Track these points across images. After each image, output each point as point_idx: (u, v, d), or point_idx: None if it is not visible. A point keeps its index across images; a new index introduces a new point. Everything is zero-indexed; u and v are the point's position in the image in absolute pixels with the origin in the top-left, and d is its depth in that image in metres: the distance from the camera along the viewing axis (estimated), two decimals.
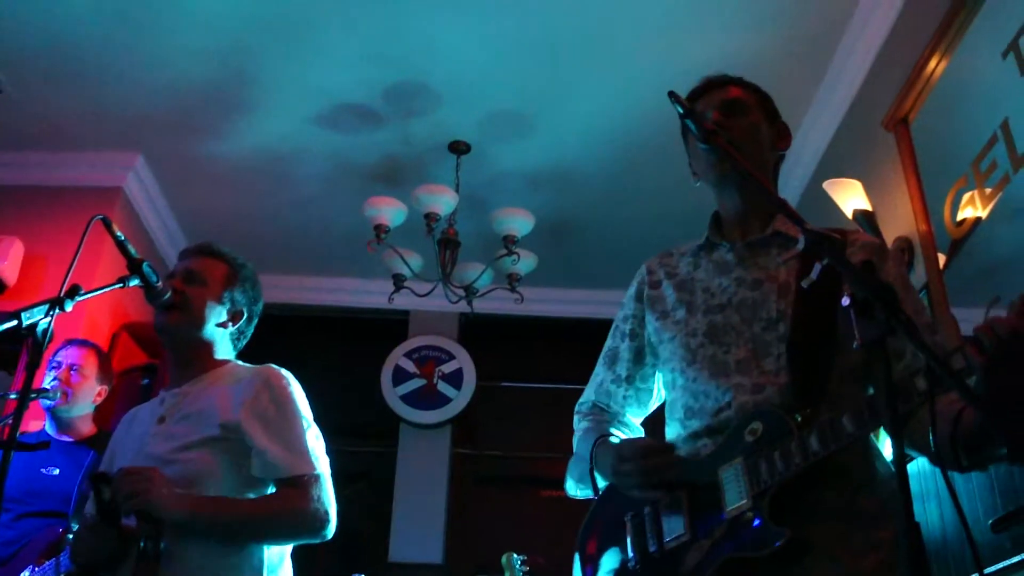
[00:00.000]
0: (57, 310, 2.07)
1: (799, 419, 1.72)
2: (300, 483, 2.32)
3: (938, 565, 3.29)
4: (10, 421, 2.01)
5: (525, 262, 5.19)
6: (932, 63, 3.64)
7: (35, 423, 4.19)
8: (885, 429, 1.62)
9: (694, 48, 4.47)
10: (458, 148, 5.38)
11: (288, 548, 2.42)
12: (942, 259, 3.54)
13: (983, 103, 3.34)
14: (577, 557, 2.06)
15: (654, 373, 2.15)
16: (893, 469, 1.78)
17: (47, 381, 3.92)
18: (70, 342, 4.10)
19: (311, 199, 5.93)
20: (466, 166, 5.42)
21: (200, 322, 2.49)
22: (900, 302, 1.29)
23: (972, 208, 3.34)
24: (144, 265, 2.29)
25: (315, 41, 4.67)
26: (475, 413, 6.65)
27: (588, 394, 2.24)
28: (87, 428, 4.01)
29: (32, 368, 2.03)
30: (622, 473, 1.89)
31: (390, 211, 4.96)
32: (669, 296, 2.07)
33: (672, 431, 2.01)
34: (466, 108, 5.13)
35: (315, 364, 6.39)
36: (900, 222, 3.92)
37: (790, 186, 5.21)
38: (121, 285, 2.27)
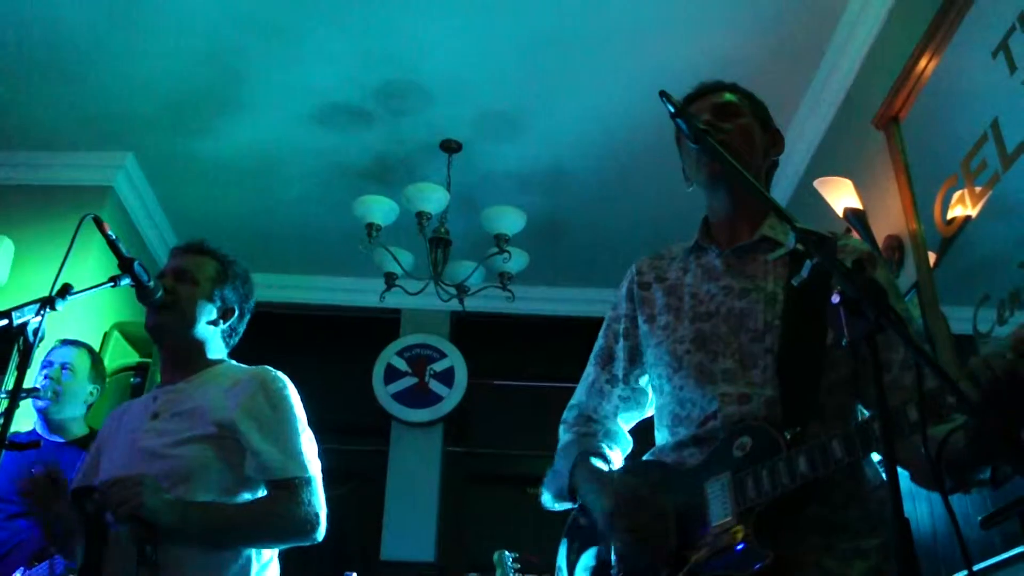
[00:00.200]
0: (48, 309, 2.07)
1: (788, 437, 1.70)
2: (292, 486, 2.34)
3: (929, 563, 3.31)
4: (0, 421, 2.01)
5: (516, 260, 5.20)
6: (922, 62, 3.65)
7: (27, 423, 4.18)
8: (876, 449, 1.62)
9: (685, 48, 4.48)
10: (449, 147, 5.38)
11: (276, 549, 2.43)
12: (932, 257, 3.55)
13: (973, 102, 3.35)
14: (560, 552, 2.04)
15: (647, 373, 2.10)
16: (882, 474, 1.79)
17: (38, 381, 3.90)
18: (62, 342, 4.09)
19: (302, 198, 5.93)
20: (457, 165, 5.42)
21: (191, 321, 2.49)
22: (889, 301, 1.29)
23: (962, 207, 3.36)
24: (135, 264, 2.29)
25: (306, 40, 4.67)
26: (467, 411, 6.65)
27: (579, 396, 2.20)
28: (78, 429, 4.00)
29: (23, 368, 2.03)
30: (614, 529, 1.83)
31: (381, 209, 4.97)
32: (658, 300, 2.05)
33: (660, 437, 2.00)
34: (457, 107, 5.13)
35: (307, 363, 6.36)
36: (890, 221, 3.93)
37: (781, 185, 5.22)
38: (112, 284, 2.27)
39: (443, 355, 6.69)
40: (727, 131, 1.94)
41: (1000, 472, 1.55)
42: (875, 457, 1.83)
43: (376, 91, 5.02)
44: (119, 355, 5.45)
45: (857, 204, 4.03)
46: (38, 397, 3.83)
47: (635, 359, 2.12)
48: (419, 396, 6.54)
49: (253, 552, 2.34)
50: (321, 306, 6.95)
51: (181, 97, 5.08)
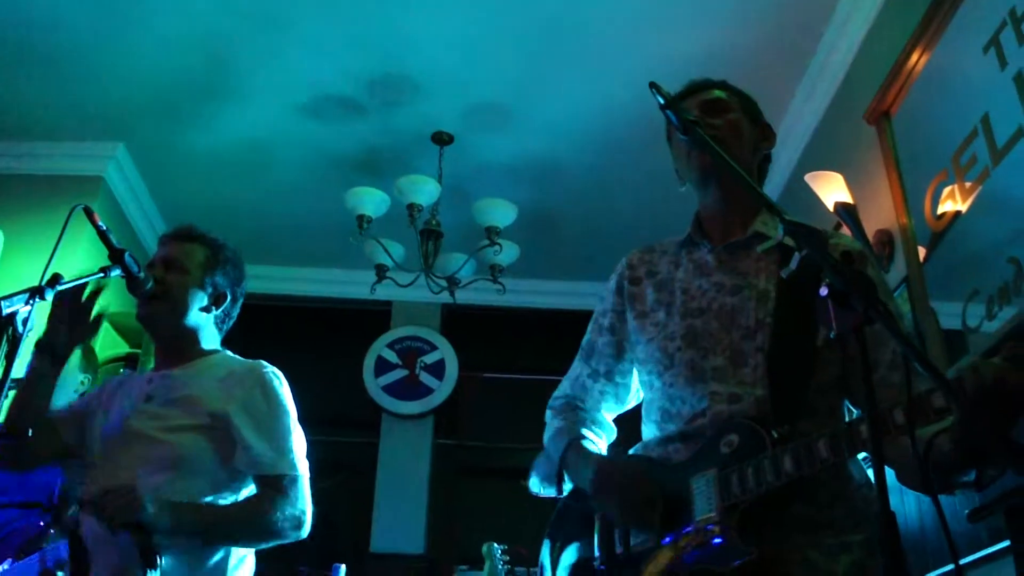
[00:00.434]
0: (37, 299, 2.07)
1: (776, 436, 1.70)
2: (280, 483, 2.36)
3: (917, 557, 3.32)
4: None
5: (507, 252, 5.20)
6: (914, 57, 3.65)
7: None
8: (862, 450, 1.62)
9: (677, 41, 4.48)
10: (441, 139, 5.38)
11: None
12: (922, 252, 3.56)
13: (964, 97, 3.35)
14: (543, 550, 2.05)
15: (632, 369, 2.11)
16: (868, 473, 1.80)
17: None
18: None
19: (293, 189, 5.92)
20: (449, 157, 5.41)
21: (182, 309, 2.49)
22: (879, 294, 1.29)
23: (952, 202, 3.36)
24: (125, 255, 2.29)
25: (298, 31, 4.65)
26: (457, 404, 6.66)
27: (563, 388, 2.21)
28: None
29: (11, 357, 2.03)
30: (602, 501, 1.87)
31: (372, 201, 4.96)
32: (649, 296, 2.05)
33: (648, 432, 2.00)
34: (449, 99, 5.12)
35: (297, 355, 6.37)
36: (881, 215, 3.93)
37: (772, 179, 5.16)
38: (102, 275, 2.27)
39: (434, 347, 6.69)
40: (716, 126, 1.94)
41: (985, 475, 1.55)
42: (861, 455, 1.84)
43: (368, 83, 5.01)
44: (109, 346, 5.44)
45: (848, 198, 4.04)
46: None
47: (620, 354, 2.12)
48: (410, 388, 6.54)
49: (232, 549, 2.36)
50: (312, 298, 6.94)
51: (172, 87, 5.07)
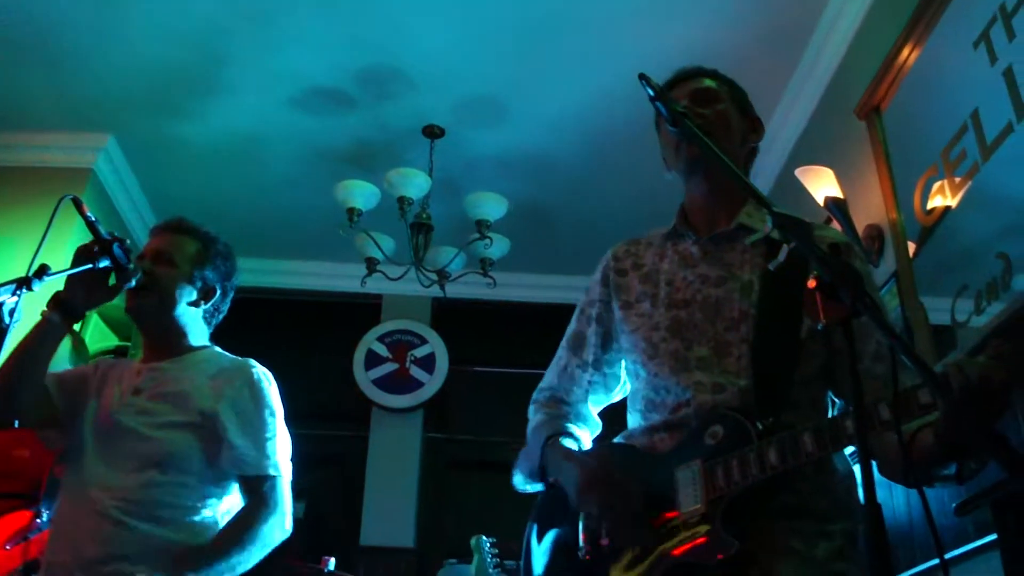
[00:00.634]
0: (24, 290, 2.06)
1: (760, 428, 1.71)
2: (260, 486, 2.38)
3: (904, 550, 3.33)
4: None
5: (497, 246, 5.20)
6: (904, 52, 3.66)
7: None
8: (847, 443, 1.63)
9: (668, 35, 4.48)
10: (432, 132, 5.37)
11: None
12: (912, 247, 3.57)
13: (954, 92, 3.36)
14: (528, 540, 2.04)
15: (620, 359, 2.11)
16: (851, 466, 1.81)
17: None
18: None
19: (284, 182, 5.91)
20: (440, 150, 5.41)
21: (170, 303, 2.48)
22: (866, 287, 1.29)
23: (942, 197, 3.37)
24: (114, 246, 2.28)
25: (289, 23, 4.64)
26: (447, 398, 6.66)
27: (549, 379, 2.20)
28: None
29: None
30: (584, 501, 1.85)
31: (362, 194, 4.96)
32: (634, 287, 2.05)
33: (633, 421, 2.01)
34: (440, 92, 5.12)
35: (287, 348, 6.39)
36: (871, 210, 3.94)
37: (763, 174, 5.23)
38: (91, 266, 2.25)
39: (424, 341, 6.69)
40: (705, 116, 1.95)
41: (965, 469, 1.56)
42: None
43: (359, 76, 5.00)
44: (98, 338, 5.42)
45: (838, 193, 4.05)
46: None
47: (607, 344, 2.12)
48: (400, 382, 6.54)
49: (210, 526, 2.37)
50: (302, 291, 6.93)
51: (163, 80, 5.05)
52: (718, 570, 1.67)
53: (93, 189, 5.55)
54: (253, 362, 2.51)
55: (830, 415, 1.90)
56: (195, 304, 2.54)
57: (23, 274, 2.10)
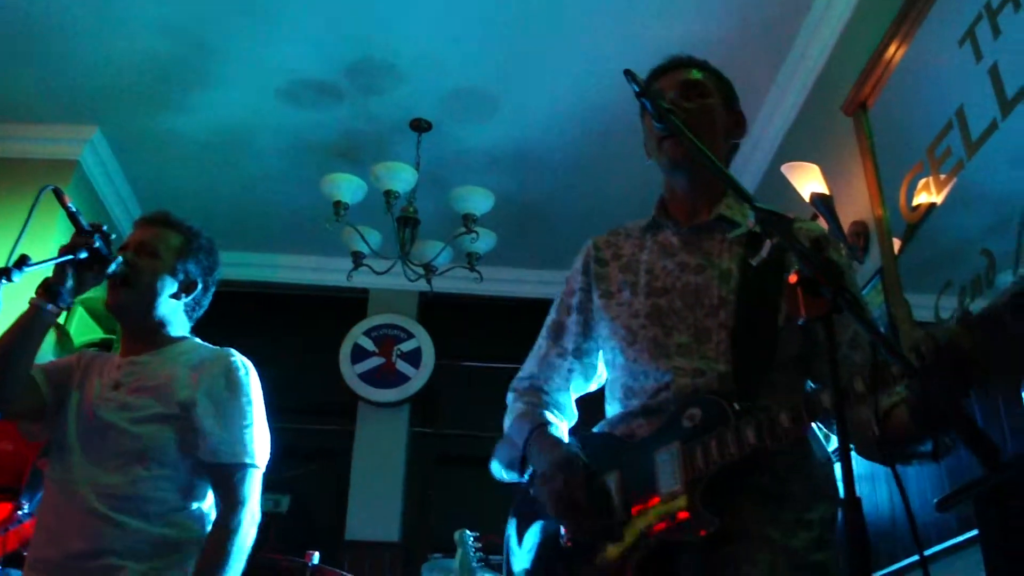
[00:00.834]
0: (4, 280, 2.04)
1: (737, 408, 1.72)
2: (232, 475, 2.36)
3: (888, 545, 3.35)
4: None
5: (484, 241, 5.20)
6: (891, 49, 3.66)
7: None
8: (823, 423, 1.65)
9: (657, 30, 4.48)
10: (419, 126, 5.36)
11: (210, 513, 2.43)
12: (897, 244, 3.58)
13: (940, 90, 3.37)
14: (510, 527, 2.05)
15: (599, 348, 2.12)
16: (828, 452, 1.83)
17: None
18: None
19: (270, 175, 5.89)
20: (427, 144, 5.40)
21: (152, 294, 2.47)
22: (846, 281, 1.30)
23: (927, 194, 3.38)
24: (95, 236, 2.27)
25: (277, 15, 4.63)
26: (433, 392, 6.65)
27: (529, 368, 2.20)
28: None
29: None
30: (556, 512, 1.85)
31: (349, 188, 4.94)
32: (614, 276, 2.06)
33: (611, 409, 2.01)
34: (428, 86, 5.11)
35: (273, 342, 6.37)
36: (857, 206, 3.95)
37: (750, 170, 5.24)
38: (72, 257, 2.24)
39: (410, 335, 6.69)
40: (690, 110, 1.95)
41: (941, 445, 1.58)
42: (820, 433, 1.87)
43: (346, 69, 4.99)
44: (83, 331, 5.41)
45: (824, 189, 4.05)
46: None
47: (587, 333, 2.12)
48: (386, 376, 6.53)
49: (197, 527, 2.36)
50: (288, 285, 6.92)
51: (150, 72, 5.03)
52: (697, 554, 1.69)
53: (79, 181, 5.53)
54: (233, 351, 2.50)
55: None
56: (176, 297, 2.53)
57: (3, 264, 2.09)
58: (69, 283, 2.28)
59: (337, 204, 4.94)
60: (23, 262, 2.11)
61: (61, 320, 4.94)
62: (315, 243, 6.37)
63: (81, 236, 2.25)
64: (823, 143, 4.40)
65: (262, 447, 2.43)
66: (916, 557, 3.05)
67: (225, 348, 2.52)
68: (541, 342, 2.20)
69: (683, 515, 1.69)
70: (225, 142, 5.59)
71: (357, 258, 5.22)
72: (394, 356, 6.58)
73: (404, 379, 6.53)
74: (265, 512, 2.47)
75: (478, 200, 5.07)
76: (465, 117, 5.33)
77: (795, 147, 4.80)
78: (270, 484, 2.45)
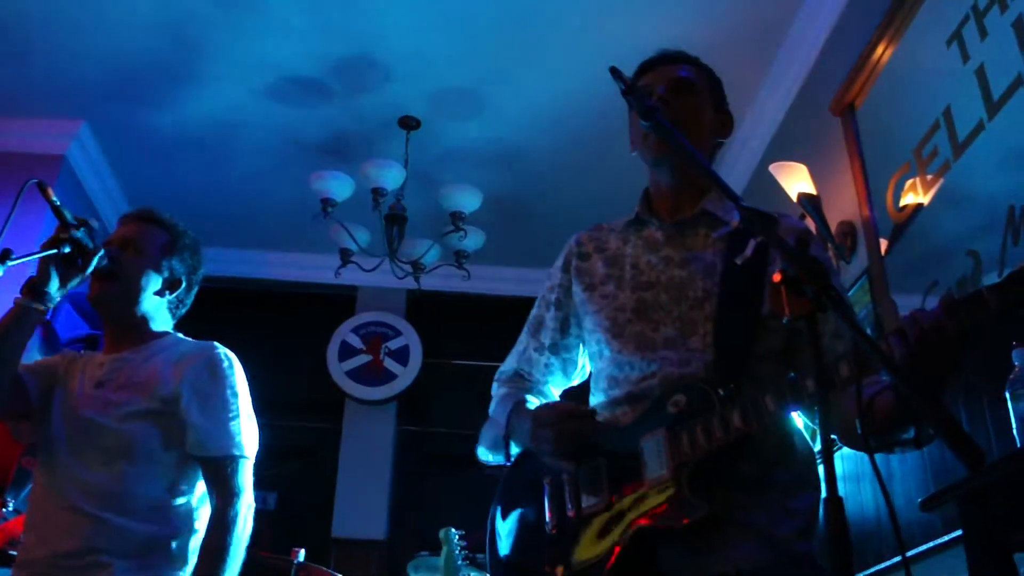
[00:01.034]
0: None
1: (722, 394, 1.73)
2: (224, 468, 2.35)
3: (873, 544, 3.36)
4: None
5: (472, 239, 5.20)
6: (879, 49, 3.67)
7: None
8: (805, 412, 1.66)
9: (646, 29, 4.47)
10: (408, 124, 5.36)
11: (204, 511, 2.42)
12: (884, 244, 3.59)
13: (927, 90, 3.38)
14: (493, 521, 2.05)
15: (579, 344, 2.15)
16: (811, 445, 1.85)
17: None
18: None
19: (258, 171, 5.88)
20: (416, 142, 5.39)
21: (136, 290, 2.46)
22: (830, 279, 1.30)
23: (914, 194, 3.39)
24: (80, 230, 2.26)
25: (265, 12, 4.61)
26: (421, 390, 6.65)
27: (510, 362, 2.24)
28: None
29: None
30: (540, 438, 1.89)
31: (337, 185, 4.94)
32: (599, 269, 2.08)
33: (595, 400, 2.02)
34: (417, 84, 5.10)
35: (261, 339, 6.36)
36: (844, 206, 3.96)
37: (739, 169, 5.24)
38: (55, 251, 2.23)
39: (398, 333, 6.68)
40: (676, 108, 1.95)
41: (923, 432, 1.60)
42: (806, 430, 1.87)
43: (335, 66, 4.98)
44: (70, 327, 5.38)
45: (811, 189, 4.06)
46: None
47: (566, 329, 2.15)
48: (373, 374, 6.53)
49: (190, 538, 2.35)
50: (276, 282, 6.90)
51: (137, 67, 5.01)
52: (683, 540, 1.70)
53: (66, 176, 5.51)
54: (215, 344, 2.50)
55: None
56: (160, 293, 2.52)
57: None
58: (54, 282, 2.27)
59: (325, 201, 4.94)
60: (6, 256, 2.10)
61: (47, 316, 4.92)
62: (303, 240, 6.37)
63: (65, 230, 2.24)
64: (811, 143, 4.41)
65: (251, 438, 2.42)
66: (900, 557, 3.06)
67: (208, 341, 2.51)
68: (522, 337, 2.24)
69: (670, 501, 1.70)
70: (213, 138, 5.57)
71: (345, 255, 5.22)
72: (382, 354, 6.57)
73: (391, 377, 6.53)
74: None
75: (466, 198, 5.07)
76: (454, 115, 5.33)
77: (783, 147, 4.81)
78: (257, 481, 2.43)
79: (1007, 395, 2.28)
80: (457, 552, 4.07)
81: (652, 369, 1.86)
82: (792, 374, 1.79)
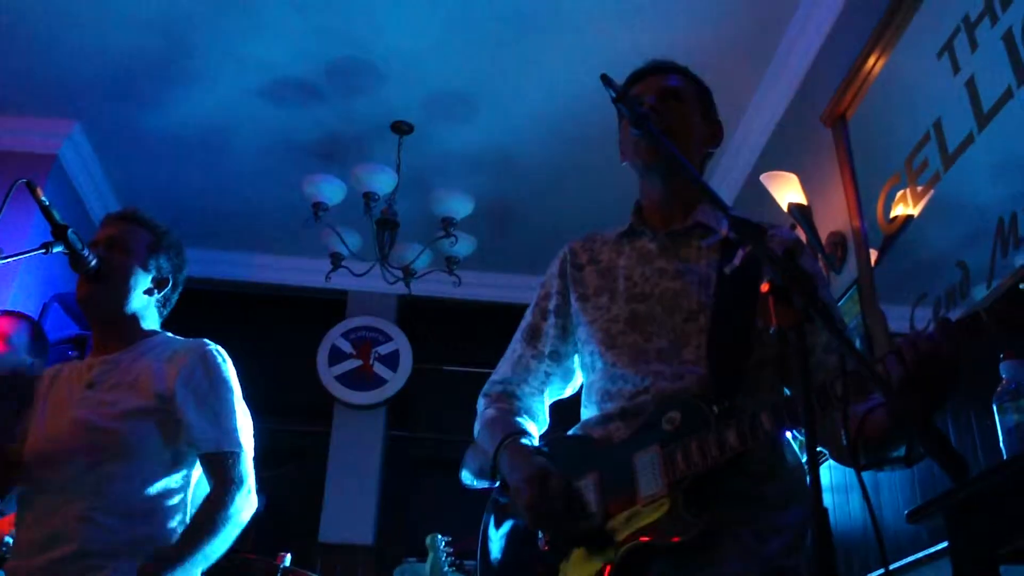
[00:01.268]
0: None
1: (717, 411, 1.73)
2: (224, 463, 2.33)
3: (861, 555, 3.36)
4: None
5: (463, 244, 5.20)
6: (871, 61, 3.68)
7: None
8: (796, 427, 1.66)
9: (639, 36, 4.49)
10: (400, 128, 5.35)
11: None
12: (874, 255, 3.59)
13: (918, 102, 3.39)
14: (484, 532, 2.04)
15: (575, 353, 2.12)
16: (802, 460, 1.84)
17: None
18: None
19: (250, 174, 5.87)
20: (408, 147, 5.39)
21: (125, 290, 2.46)
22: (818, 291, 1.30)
23: (904, 205, 3.40)
24: (69, 232, 2.26)
25: (259, 13, 4.61)
26: (411, 396, 6.64)
27: (503, 372, 2.18)
28: None
29: None
30: (522, 510, 1.85)
31: (328, 189, 4.94)
32: (591, 281, 2.06)
33: (587, 413, 2.01)
34: (410, 89, 5.10)
35: (251, 342, 6.33)
36: (835, 217, 3.97)
37: (730, 178, 5.25)
38: (44, 251, 2.23)
39: (389, 338, 6.67)
40: (667, 117, 1.95)
41: (915, 451, 1.60)
42: (795, 443, 1.87)
43: (328, 69, 4.98)
44: (58, 327, 5.36)
45: (802, 199, 4.07)
46: None
47: (565, 337, 2.12)
48: (363, 379, 6.51)
49: (177, 520, 2.34)
50: (266, 284, 6.88)
51: (131, 67, 5.00)
52: (675, 556, 1.69)
53: (58, 176, 5.49)
54: (206, 340, 2.49)
55: None
56: (149, 292, 2.52)
57: None
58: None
59: (316, 205, 4.93)
60: None
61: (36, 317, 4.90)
62: (294, 243, 6.36)
63: (54, 229, 2.24)
64: (802, 153, 4.42)
65: (247, 431, 2.42)
66: (892, 566, 3.06)
67: (198, 339, 2.51)
68: (515, 345, 2.18)
69: (663, 518, 1.69)
70: (206, 139, 5.57)
71: (336, 259, 5.22)
72: (372, 359, 6.56)
73: (381, 382, 6.52)
74: None
75: (458, 203, 5.07)
76: (447, 120, 5.33)
77: (774, 157, 4.82)
78: None
79: (994, 407, 2.28)
80: (443, 559, 4.06)
81: (645, 384, 1.85)
82: (787, 391, 1.79)
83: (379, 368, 6.55)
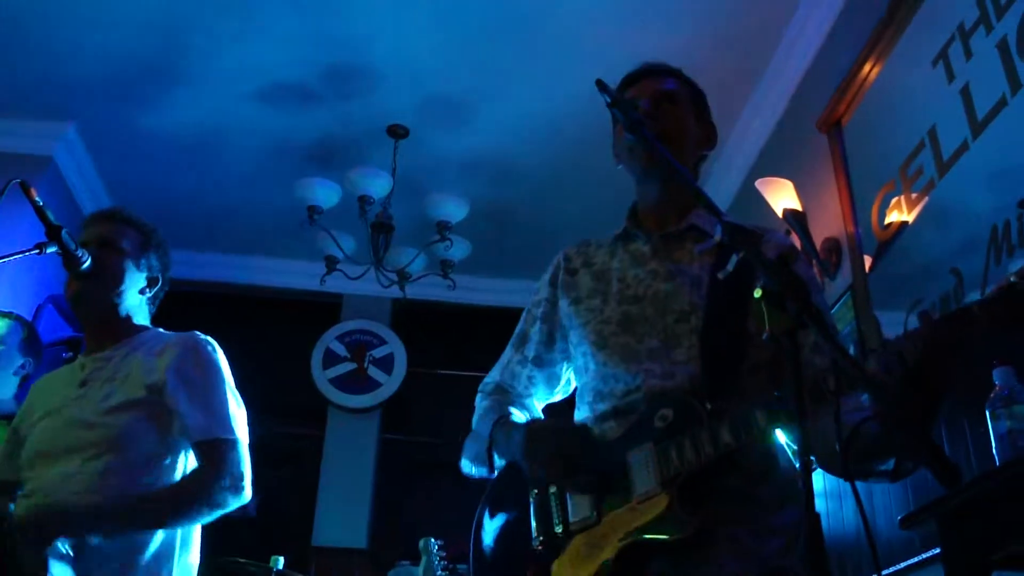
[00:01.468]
0: None
1: (710, 408, 1.73)
2: (216, 449, 2.33)
3: (854, 560, 3.36)
4: None
5: (458, 248, 5.20)
6: (866, 68, 3.69)
7: None
8: (787, 428, 1.66)
9: (634, 41, 4.48)
10: (396, 132, 5.35)
11: (196, 529, 2.40)
12: (868, 261, 3.60)
13: (913, 109, 3.40)
14: (477, 531, 2.05)
15: (564, 359, 2.14)
16: (794, 463, 1.85)
17: None
18: None
19: (246, 176, 5.86)
20: (403, 151, 5.39)
21: (120, 289, 2.47)
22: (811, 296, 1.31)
23: (899, 212, 3.40)
24: (62, 232, 2.26)
25: (256, 16, 4.61)
26: (405, 399, 6.63)
27: (494, 375, 2.23)
28: (7, 406, 3.92)
29: None
30: (532, 453, 1.89)
31: (323, 192, 4.94)
32: (585, 284, 2.08)
33: (580, 414, 2.02)
34: (406, 92, 5.10)
35: (245, 344, 6.29)
36: (829, 223, 3.97)
37: (725, 184, 5.26)
38: (37, 251, 2.24)
39: (383, 341, 6.67)
40: (661, 121, 1.96)
41: (902, 466, 1.60)
42: (788, 449, 1.88)
43: (325, 72, 4.98)
44: (52, 329, 5.35)
45: (797, 205, 4.08)
46: None
47: (551, 343, 2.14)
48: (357, 382, 6.51)
49: (177, 537, 2.33)
50: (261, 287, 6.87)
51: (126, 69, 5.00)
52: (671, 554, 1.69)
53: (52, 177, 5.48)
54: (196, 332, 2.50)
55: None
56: (143, 291, 2.53)
57: None
58: None
59: (311, 208, 4.93)
60: None
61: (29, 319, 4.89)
62: (289, 246, 6.36)
63: (48, 230, 2.24)
64: (797, 159, 4.43)
65: (241, 420, 2.42)
66: (885, 572, 3.07)
67: (188, 331, 2.51)
68: (506, 350, 2.24)
69: (659, 516, 1.70)
70: (201, 142, 5.56)
71: (331, 263, 5.21)
72: (366, 362, 6.56)
73: (376, 385, 6.51)
74: (232, 515, 2.46)
75: (453, 207, 5.07)
76: (442, 124, 5.33)
77: (770, 163, 4.83)
78: None
79: (987, 413, 2.29)
80: (437, 562, 4.06)
81: (637, 383, 1.86)
82: (778, 392, 1.79)
83: (373, 371, 6.55)
